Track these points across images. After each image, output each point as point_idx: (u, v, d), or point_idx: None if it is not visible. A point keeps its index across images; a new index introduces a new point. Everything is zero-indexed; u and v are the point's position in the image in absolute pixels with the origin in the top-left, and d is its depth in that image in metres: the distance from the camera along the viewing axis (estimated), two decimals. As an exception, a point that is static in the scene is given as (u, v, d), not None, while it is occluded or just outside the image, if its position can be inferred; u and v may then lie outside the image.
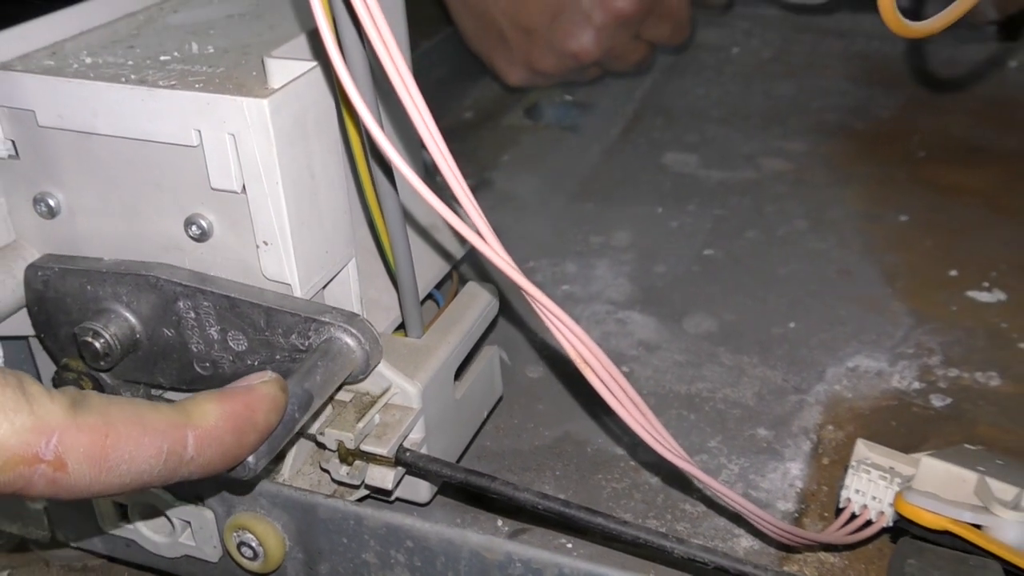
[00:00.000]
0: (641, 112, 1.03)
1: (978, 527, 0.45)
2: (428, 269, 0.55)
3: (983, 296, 0.72)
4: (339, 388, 0.44)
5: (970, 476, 0.47)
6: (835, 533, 0.49)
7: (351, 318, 0.43)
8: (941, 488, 0.48)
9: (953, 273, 0.75)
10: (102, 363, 0.45)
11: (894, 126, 0.98)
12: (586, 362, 0.37)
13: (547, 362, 0.67)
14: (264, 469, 0.40)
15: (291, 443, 0.47)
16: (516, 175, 0.90)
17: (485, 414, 0.55)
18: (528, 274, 0.76)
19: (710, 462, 0.58)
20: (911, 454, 0.50)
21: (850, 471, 0.50)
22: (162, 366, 0.47)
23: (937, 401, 0.62)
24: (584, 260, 0.78)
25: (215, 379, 0.46)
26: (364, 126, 0.39)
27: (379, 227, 0.46)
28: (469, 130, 0.99)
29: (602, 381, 0.38)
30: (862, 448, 0.52)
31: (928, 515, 0.45)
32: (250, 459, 0.37)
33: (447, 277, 0.59)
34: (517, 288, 0.38)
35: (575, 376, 0.66)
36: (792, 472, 0.57)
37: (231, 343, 0.45)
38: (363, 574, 0.44)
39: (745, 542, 0.52)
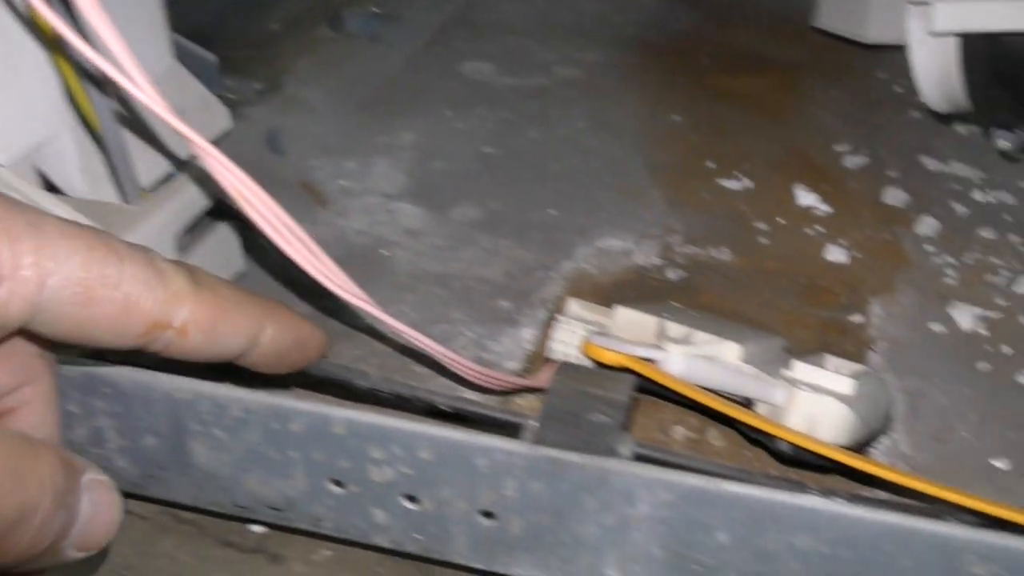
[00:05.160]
0: (447, 25, 1.05)
1: (652, 362, 0.49)
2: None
3: (732, 184, 0.77)
4: None
5: (652, 321, 0.52)
6: (540, 377, 0.52)
7: None
8: (632, 333, 0.52)
9: (710, 165, 0.79)
10: None
11: (687, 39, 1.03)
12: (247, 200, 0.39)
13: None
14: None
15: None
16: (309, 82, 0.91)
17: (221, 285, 0.57)
18: (307, 172, 0.78)
19: (450, 331, 0.61)
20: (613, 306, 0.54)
21: (557, 325, 0.54)
22: None
23: (672, 274, 0.67)
24: (365, 158, 0.80)
25: None
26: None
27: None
28: (272, 40, 0.99)
29: (265, 219, 0.40)
30: (573, 305, 0.56)
31: (609, 354, 0.49)
32: None
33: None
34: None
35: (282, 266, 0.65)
36: (524, 336, 0.61)
37: None
38: (69, 424, 0.46)
39: (469, 395, 0.56)
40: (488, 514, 0.42)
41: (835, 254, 0.68)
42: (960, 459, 0.52)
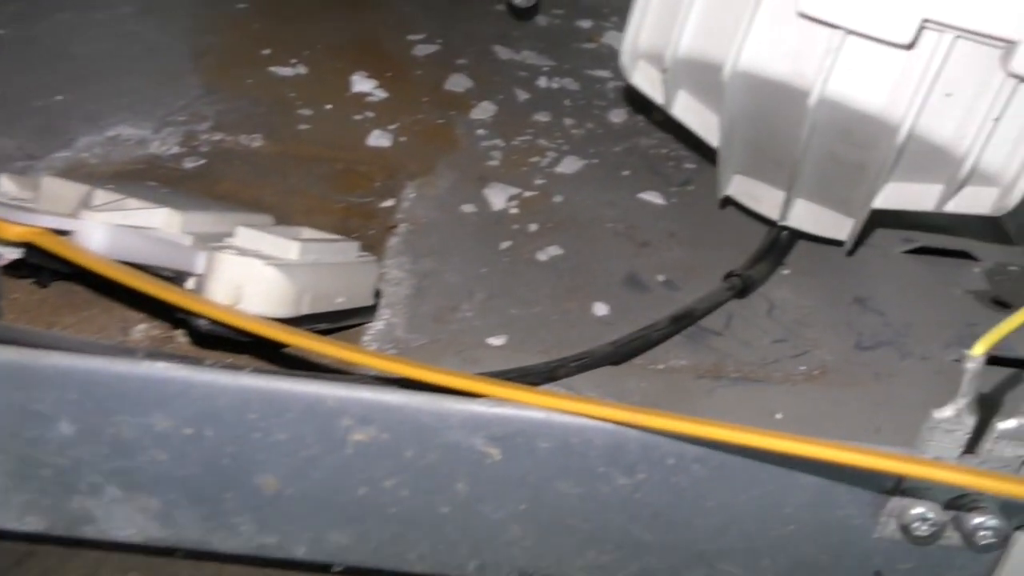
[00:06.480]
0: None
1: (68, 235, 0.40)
2: None
3: (285, 71, 0.69)
4: None
5: (81, 190, 0.43)
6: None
7: None
8: (58, 205, 0.43)
9: (266, 52, 0.71)
10: None
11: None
12: None
13: None
14: None
15: None
16: None
17: None
18: None
19: None
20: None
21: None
22: None
23: (190, 163, 0.58)
24: None
25: None
26: None
27: None
28: None
29: None
30: (3, 182, 0.46)
31: (9, 227, 0.39)
32: None
33: None
34: None
35: None
36: (-25, 232, 0.50)
37: None
38: None
39: None
40: None
41: (379, 139, 0.62)
42: (455, 339, 0.47)
